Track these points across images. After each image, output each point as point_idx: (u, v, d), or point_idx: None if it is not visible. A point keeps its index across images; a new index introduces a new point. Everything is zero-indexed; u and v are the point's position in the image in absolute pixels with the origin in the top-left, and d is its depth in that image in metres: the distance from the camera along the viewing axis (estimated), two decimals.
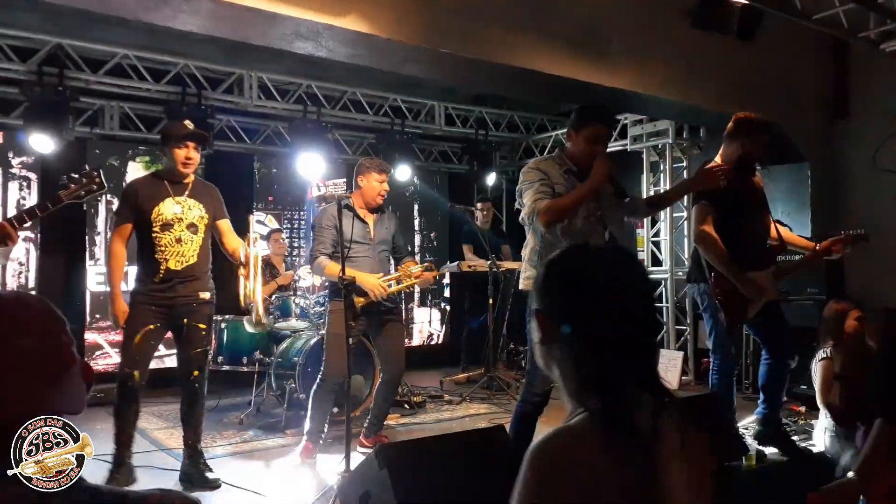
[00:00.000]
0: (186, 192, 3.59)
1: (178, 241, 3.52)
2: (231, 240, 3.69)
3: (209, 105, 6.20)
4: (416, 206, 8.59)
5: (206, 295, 3.62)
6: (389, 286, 4.00)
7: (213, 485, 3.58)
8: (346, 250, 3.87)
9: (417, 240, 8.62)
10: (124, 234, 3.57)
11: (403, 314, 4.40)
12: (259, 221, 7.56)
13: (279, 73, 6.48)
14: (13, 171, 6.14)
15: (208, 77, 6.25)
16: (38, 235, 6.26)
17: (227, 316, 5.46)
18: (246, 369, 5.36)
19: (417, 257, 8.43)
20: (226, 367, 5.36)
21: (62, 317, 0.99)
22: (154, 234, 3.49)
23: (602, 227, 3.27)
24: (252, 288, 3.54)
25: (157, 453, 4.29)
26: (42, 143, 5.41)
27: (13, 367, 0.90)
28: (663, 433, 1.11)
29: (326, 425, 4.18)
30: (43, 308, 0.98)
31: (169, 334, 3.65)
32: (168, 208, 3.51)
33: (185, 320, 3.55)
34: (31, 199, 6.12)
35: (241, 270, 3.59)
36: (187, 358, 3.59)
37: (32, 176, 6.19)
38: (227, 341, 5.39)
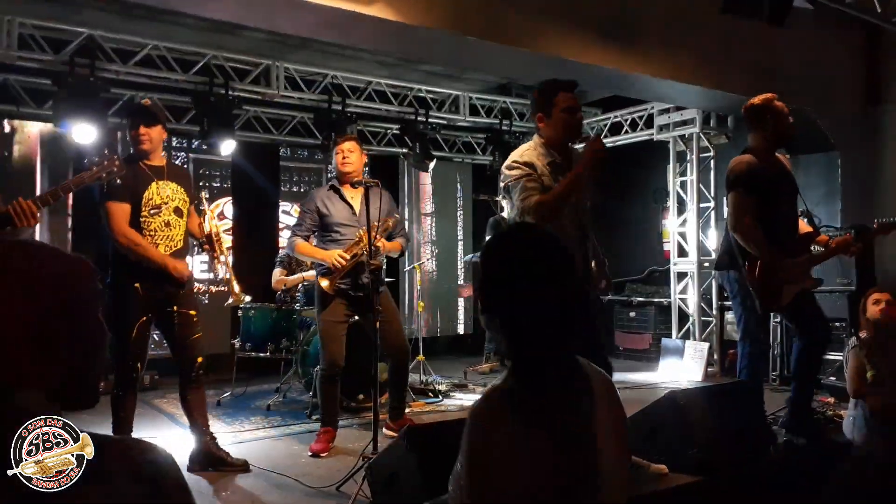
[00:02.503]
0: (165, 175, 3.53)
1: (167, 224, 3.48)
2: (193, 221, 3.67)
3: (236, 96, 6.26)
4: (431, 197, 8.59)
5: (190, 283, 3.61)
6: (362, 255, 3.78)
7: (243, 467, 3.61)
8: (335, 234, 3.88)
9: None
10: (128, 215, 3.41)
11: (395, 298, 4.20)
12: (284, 212, 7.63)
13: None
14: None
15: (236, 68, 6.30)
16: (71, 220, 6.37)
17: (254, 303, 5.53)
18: (272, 356, 5.42)
19: (435, 249, 8.45)
20: (252, 354, 5.43)
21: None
22: (143, 219, 3.42)
23: (582, 223, 2.98)
24: (225, 261, 3.55)
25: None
26: (84, 133, 5.49)
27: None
28: (584, 387, 1.32)
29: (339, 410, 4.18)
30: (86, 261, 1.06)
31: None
32: (155, 192, 3.46)
33: (175, 307, 3.49)
34: None
35: (206, 248, 3.56)
36: (186, 345, 3.54)
37: None
38: (253, 328, 5.45)
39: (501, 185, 3.14)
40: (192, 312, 3.57)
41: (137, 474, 0.91)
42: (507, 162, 2.96)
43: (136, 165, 3.45)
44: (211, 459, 3.61)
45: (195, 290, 3.61)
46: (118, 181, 3.18)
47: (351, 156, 3.95)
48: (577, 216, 2.94)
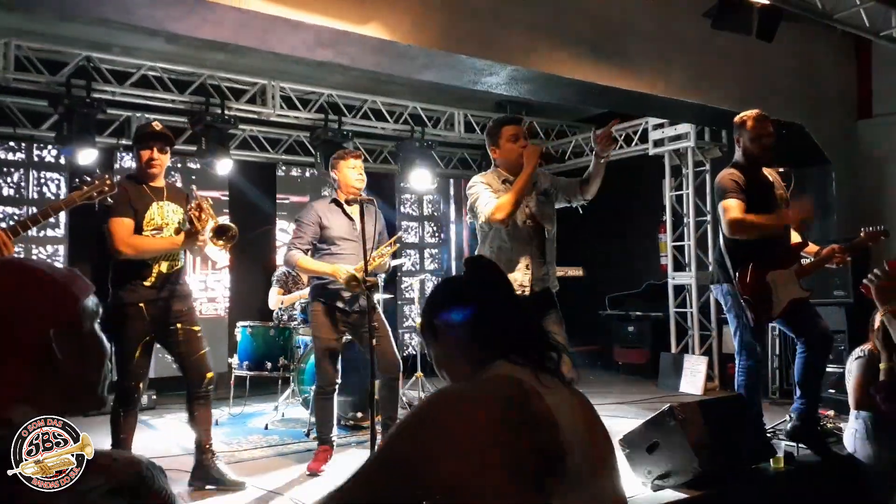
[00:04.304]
0: (165, 196, 3.57)
1: None
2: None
3: (232, 115, 6.29)
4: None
5: (191, 300, 3.64)
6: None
7: (239, 487, 3.58)
8: (334, 247, 3.87)
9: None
10: (131, 228, 3.42)
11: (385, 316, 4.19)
12: (282, 230, 7.63)
13: None
14: None
15: (231, 88, 6.34)
16: (67, 245, 6.37)
17: (251, 322, 5.52)
18: (270, 375, 5.40)
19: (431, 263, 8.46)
20: (250, 373, 5.40)
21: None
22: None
23: (539, 227, 3.47)
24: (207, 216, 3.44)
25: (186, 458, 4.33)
26: (85, 155, 5.52)
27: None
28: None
29: (335, 428, 4.14)
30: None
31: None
32: (156, 212, 3.50)
33: (179, 325, 3.51)
34: None
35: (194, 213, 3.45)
36: (195, 362, 3.54)
37: None
38: (250, 347, 5.42)
39: (469, 203, 3.53)
40: (196, 328, 3.58)
41: (116, 487, 0.91)
42: (470, 183, 3.55)
43: (138, 186, 3.51)
44: (209, 477, 3.59)
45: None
46: (127, 199, 3.37)
47: (363, 172, 4.02)
48: (531, 219, 3.44)
